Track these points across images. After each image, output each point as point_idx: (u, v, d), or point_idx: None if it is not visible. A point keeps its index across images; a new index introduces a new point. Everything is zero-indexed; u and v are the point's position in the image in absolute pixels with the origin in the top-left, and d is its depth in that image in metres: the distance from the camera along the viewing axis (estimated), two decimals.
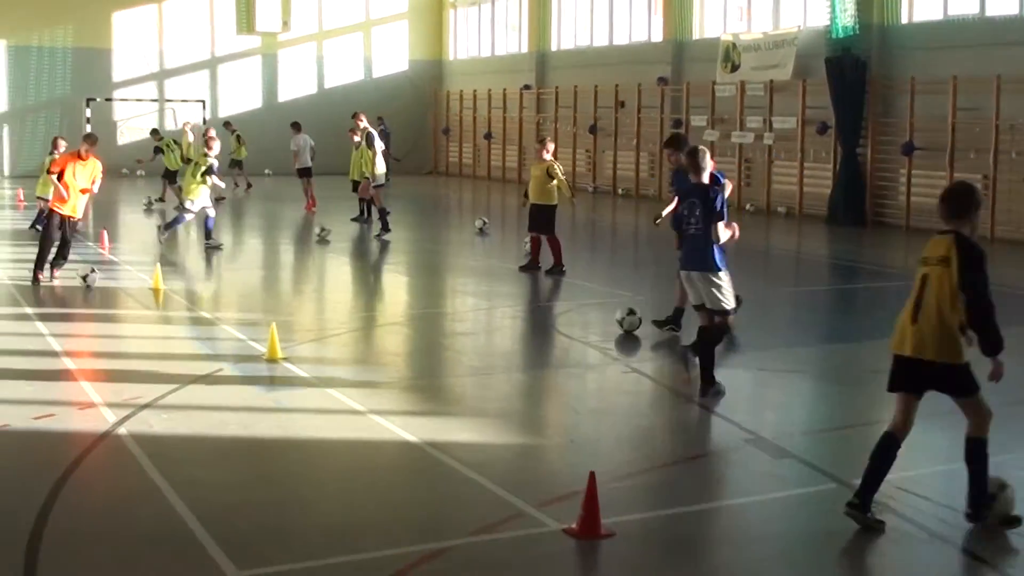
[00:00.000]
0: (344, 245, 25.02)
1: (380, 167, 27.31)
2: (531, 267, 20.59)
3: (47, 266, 19.07)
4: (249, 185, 40.30)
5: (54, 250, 19.18)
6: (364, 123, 28.06)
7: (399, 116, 50.48)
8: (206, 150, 24.37)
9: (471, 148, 50.43)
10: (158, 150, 35.63)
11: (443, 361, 14.15)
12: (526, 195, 21.07)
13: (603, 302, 17.60)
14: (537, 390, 12.77)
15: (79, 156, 18.89)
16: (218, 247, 23.85)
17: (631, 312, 14.98)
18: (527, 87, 46.38)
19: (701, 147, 12.21)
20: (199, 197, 24.02)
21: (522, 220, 23.43)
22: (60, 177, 18.77)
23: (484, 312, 17.48)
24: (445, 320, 16.88)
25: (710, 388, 11.77)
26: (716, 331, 12.07)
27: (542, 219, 20.51)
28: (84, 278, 18.53)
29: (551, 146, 20.95)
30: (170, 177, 34.91)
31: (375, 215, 27.37)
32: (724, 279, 11.99)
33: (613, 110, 40.94)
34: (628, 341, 14.78)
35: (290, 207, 33.88)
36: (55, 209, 19.00)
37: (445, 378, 13.08)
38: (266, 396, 11.88)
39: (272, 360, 13.19)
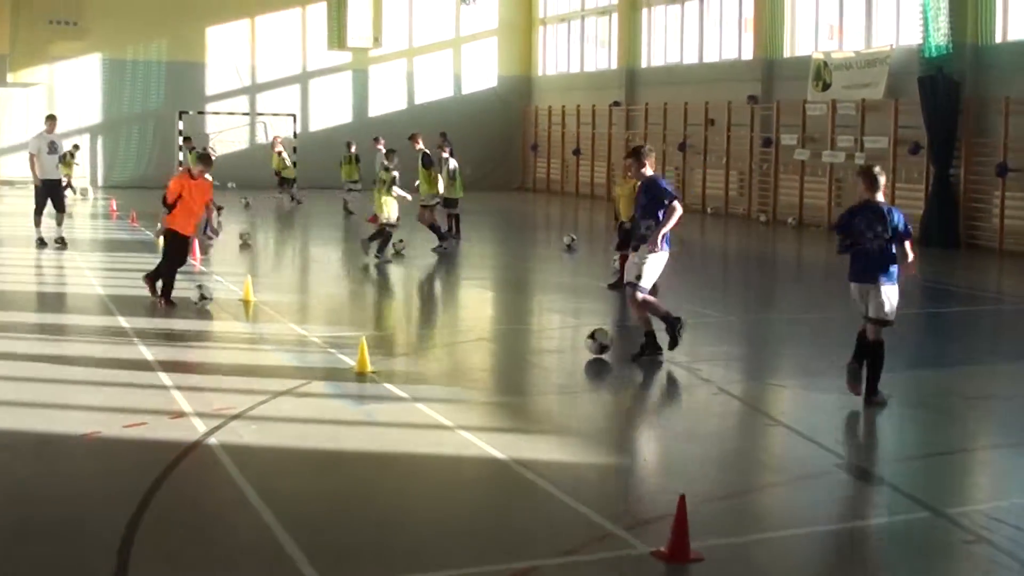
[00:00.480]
0: (430, 260, 25.08)
1: (438, 186, 26.85)
2: (620, 285, 20.40)
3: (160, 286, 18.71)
4: (297, 200, 39.93)
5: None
6: (420, 144, 28.02)
7: (488, 132, 50.70)
8: (386, 163, 24.69)
9: (559, 164, 50.45)
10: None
11: (530, 378, 14.13)
12: (616, 215, 20.85)
13: (692, 323, 17.49)
14: (624, 410, 12.71)
15: (191, 176, 18.64)
16: (386, 261, 24.25)
17: (591, 336, 14.77)
18: (616, 103, 46.34)
19: (876, 167, 12.60)
20: (392, 210, 24.41)
21: (611, 237, 23.36)
22: (176, 201, 18.46)
23: (571, 329, 17.44)
24: (532, 337, 16.89)
25: (875, 397, 12.33)
26: (881, 342, 12.49)
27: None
28: (201, 296, 18.25)
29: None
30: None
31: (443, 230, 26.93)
32: (896, 291, 12.46)
33: (703, 128, 40.78)
34: (716, 362, 14.67)
35: None
36: (179, 230, 18.52)
37: (532, 395, 13.06)
38: (355, 409, 11.93)
39: (361, 374, 13.23)
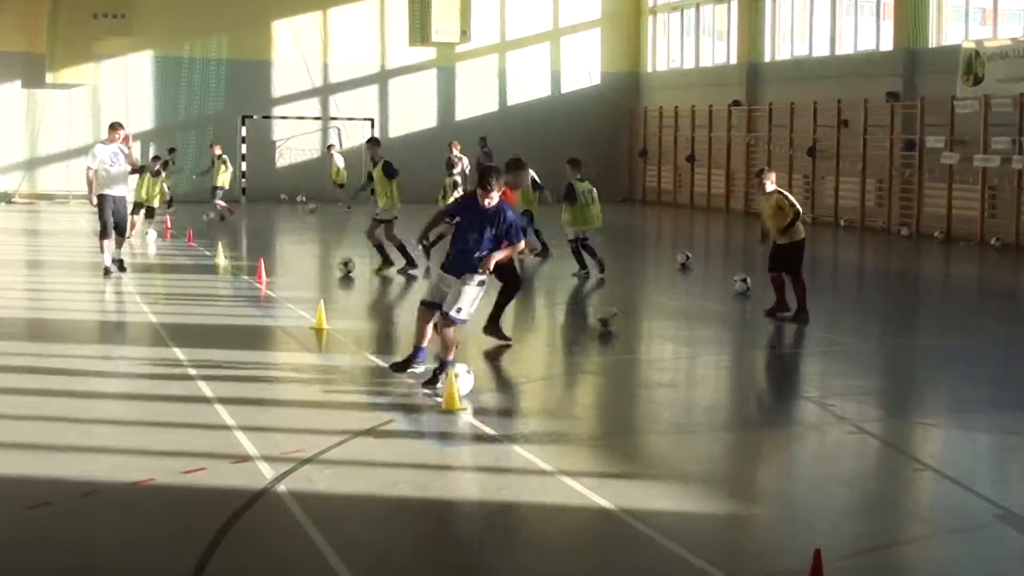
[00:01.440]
0: (525, 283, 25.12)
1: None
2: (778, 311, 20.11)
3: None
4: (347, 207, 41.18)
5: None
6: (456, 152, 28.07)
7: (590, 136, 50.67)
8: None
9: (671, 172, 50.44)
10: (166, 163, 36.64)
11: (641, 416, 14.07)
12: (764, 233, 20.69)
13: (824, 351, 17.36)
14: (748, 452, 12.60)
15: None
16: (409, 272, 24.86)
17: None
18: (736, 103, 46.23)
19: None
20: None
21: (731, 254, 23.26)
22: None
23: (686, 360, 17.37)
24: (642, 368, 16.86)
25: None
26: None
27: (790, 259, 20.02)
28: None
29: (772, 175, 20.48)
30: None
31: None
32: None
33: (835, 130, 40.52)
34: (852, 397, 14.52)
35: None
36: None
37: (643, 435, 13.00)
38: (443, 452, 11.94)
39: (450, 411, 13.25)
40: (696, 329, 19.90)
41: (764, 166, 20.34)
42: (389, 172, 26.30)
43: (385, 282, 24.57)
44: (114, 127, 25.50)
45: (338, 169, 41.89)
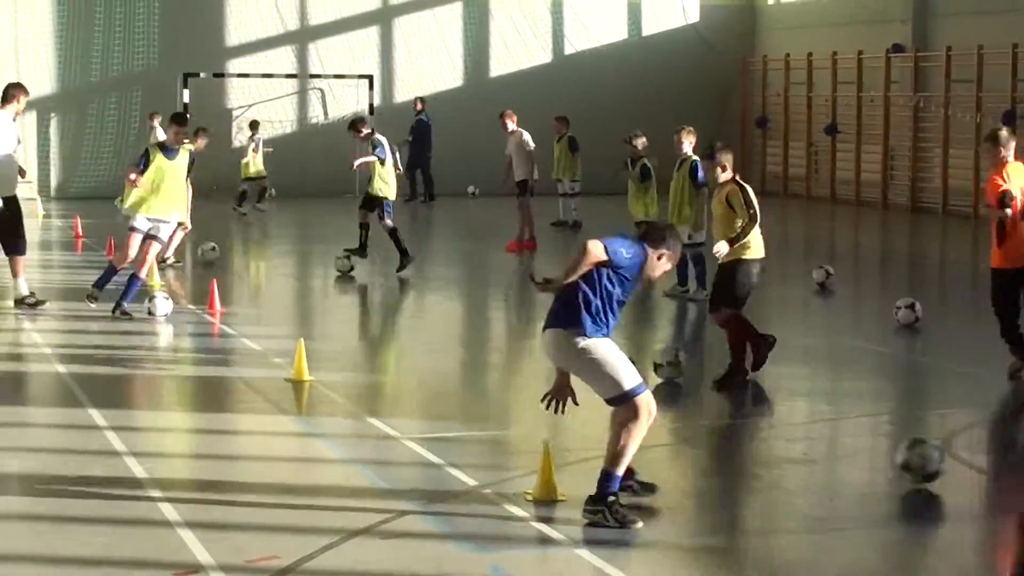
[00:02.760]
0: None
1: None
2: (734, 375, 19.51)
3: None
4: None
5: None
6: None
7: (684, 98, 50.29)
8: None
9: (802, 150, 50.11)
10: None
11: (764, 505, 14.12)
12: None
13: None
14: (914, 558, 12.63)
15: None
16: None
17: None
18: (897, 48, 45.97)
19: None
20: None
21: (891, 269, 23.19)
22: None
23: (826, 424, 17.39)
24: (763, 434, 16.95)
25: None
26: None
27: (727, 284, 19.46)
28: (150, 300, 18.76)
29: (728, 157, 19.56)
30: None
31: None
32: None
33: None
34: None
35: (502, 242, 34.18)
36: None
37: (763, 534, 13.04)
38: (478, 558, 12.00)
39: (543, 500, 13.26)
40: (841, 379, 19.90)
41: (719, 142, 19.56)
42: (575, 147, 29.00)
43: (392, 302, 24.60)
44: (15, 89, 25.20)
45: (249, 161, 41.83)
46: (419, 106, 47.74)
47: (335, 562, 11.62)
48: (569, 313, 12.83)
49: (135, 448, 15.31)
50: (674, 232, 13.48)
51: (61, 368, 19.83)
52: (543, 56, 51.26)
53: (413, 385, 19.78)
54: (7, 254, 24.86)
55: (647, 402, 12.87)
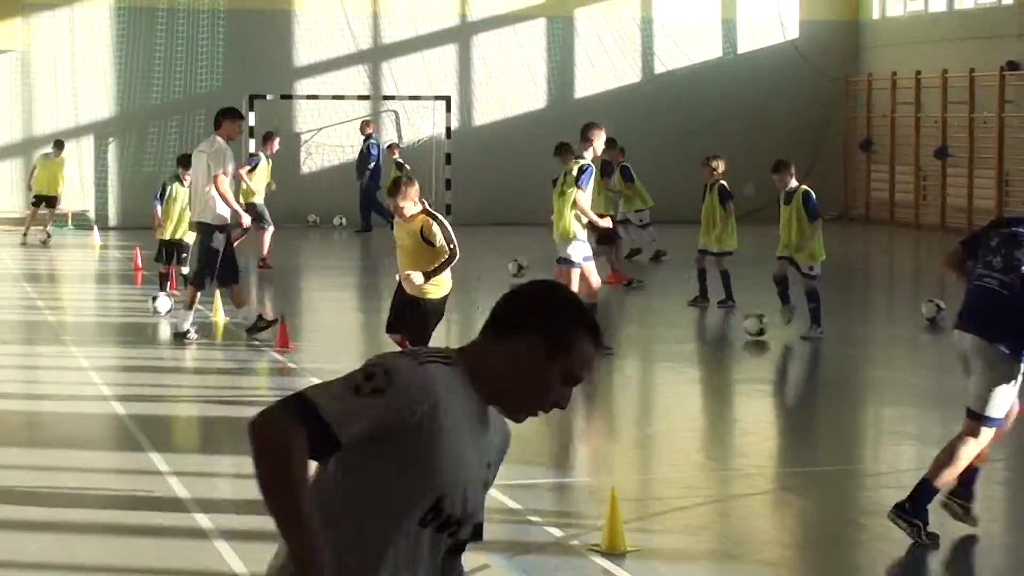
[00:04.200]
0: (678, 347, 24.92)
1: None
2: None
3: None
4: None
5: None
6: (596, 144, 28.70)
7: (781, 120, 50.20)
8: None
9: (911, 175, 49.83)
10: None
11: (869, 564, 13.95)
12: None
13: None
14: None
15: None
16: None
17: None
18: (1012, 65, 45.59)
19: None
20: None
21: None
22: None
23: None
24: (866, 485, 16.70)
25: None
26: None
27: (415, 316, 18.96)
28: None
29: (412, 190, 18.45)
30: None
31: None
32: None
33: None
34: None
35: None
36: None
37: None
38: None
39: (612, 552, 13.00)
40: (954, 423, 19.52)
41: (404, 175, 18.59)
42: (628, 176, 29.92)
43: None
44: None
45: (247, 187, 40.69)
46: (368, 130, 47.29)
47: None
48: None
49: (199, 496, 15.18)
50: None
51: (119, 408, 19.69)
52: (632, 75, 51.09)
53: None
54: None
55: (988, 437, 14.01)
